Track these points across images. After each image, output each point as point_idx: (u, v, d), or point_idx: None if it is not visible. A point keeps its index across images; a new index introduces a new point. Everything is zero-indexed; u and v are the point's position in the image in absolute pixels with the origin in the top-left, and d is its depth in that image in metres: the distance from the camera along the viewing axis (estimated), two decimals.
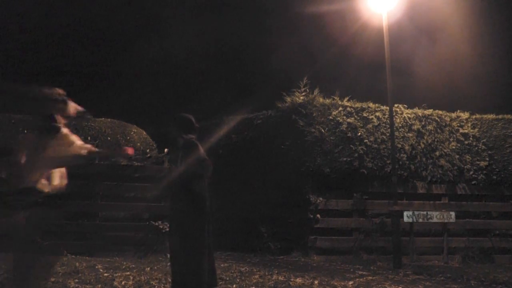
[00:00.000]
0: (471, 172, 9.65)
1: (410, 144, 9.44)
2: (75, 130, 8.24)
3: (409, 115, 9.66)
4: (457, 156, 9.67)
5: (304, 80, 9.55)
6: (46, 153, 3.65)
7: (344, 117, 9.23)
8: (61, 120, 3.87)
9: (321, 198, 8.77)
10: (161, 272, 6.10)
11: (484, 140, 9.87)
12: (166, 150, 8.35)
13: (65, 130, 3.87)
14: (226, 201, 9.51)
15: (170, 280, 5.56)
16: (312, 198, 8.72)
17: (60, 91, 3.89)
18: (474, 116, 10.09)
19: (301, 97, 9.43)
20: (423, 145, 9.52)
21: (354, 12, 9.77)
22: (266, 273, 6.37)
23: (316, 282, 5.94)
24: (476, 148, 9.82)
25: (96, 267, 6.33)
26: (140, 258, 7.45)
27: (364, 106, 9.45)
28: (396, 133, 9.11)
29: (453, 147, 9.69)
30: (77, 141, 3.88)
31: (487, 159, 9.74)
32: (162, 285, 5.37)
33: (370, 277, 6.71)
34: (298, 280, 6.02)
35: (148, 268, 6.37)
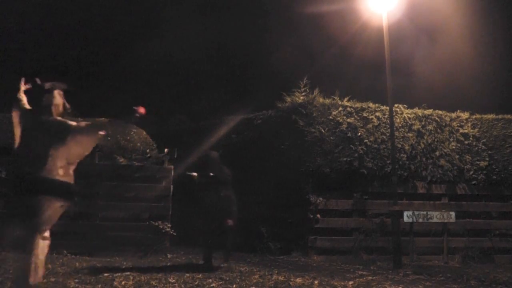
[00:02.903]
0: (471, 172, 9.64)
1: (410, 144, 9.44)
2: None
3: (409, 115, 9.66)
4: (457, 156, 9.66)
5: (304, 80, 9.55)
6: None
7: (344, 117, 9.23)
8: None
9: (321, 198, 8.76)
10: (161, 272, 6.09)
11: (484, 140, 9.87)
12: (166, 150, 8.35)
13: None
14: None
15: (170, 280, 5.58)
16: (312, 198, 8.72)
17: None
18: (474, 116, 10.07)
19: (301, 97, 9.43)
20: (423, 145, 9.51)
21: (354, 12, 9.77)
22: (266, 273, 6.36)
23: (316, 282, 5.93)
24: (476, 148, 9.81)
25: (96, 267, 6.33)
26: (140, 258, 7.45)
27: (364, 106, 9.45)
28: (396, 133, 9.10)
29: (453, 147, 9.69)
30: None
31: (487, 159, 9.73)
32: (162, 285, 5.36)
33: (370, 277, 6.71)
34: (298, 280, 6.01)
35: (148, 268, 6.37)
